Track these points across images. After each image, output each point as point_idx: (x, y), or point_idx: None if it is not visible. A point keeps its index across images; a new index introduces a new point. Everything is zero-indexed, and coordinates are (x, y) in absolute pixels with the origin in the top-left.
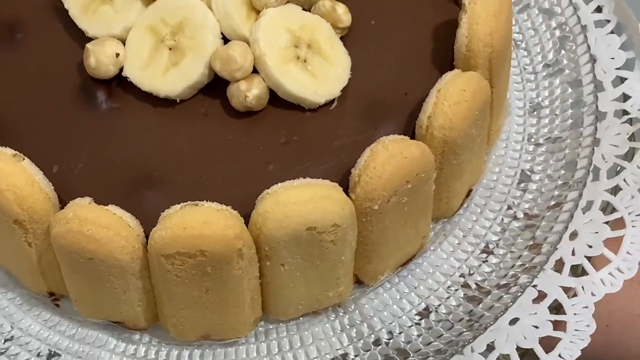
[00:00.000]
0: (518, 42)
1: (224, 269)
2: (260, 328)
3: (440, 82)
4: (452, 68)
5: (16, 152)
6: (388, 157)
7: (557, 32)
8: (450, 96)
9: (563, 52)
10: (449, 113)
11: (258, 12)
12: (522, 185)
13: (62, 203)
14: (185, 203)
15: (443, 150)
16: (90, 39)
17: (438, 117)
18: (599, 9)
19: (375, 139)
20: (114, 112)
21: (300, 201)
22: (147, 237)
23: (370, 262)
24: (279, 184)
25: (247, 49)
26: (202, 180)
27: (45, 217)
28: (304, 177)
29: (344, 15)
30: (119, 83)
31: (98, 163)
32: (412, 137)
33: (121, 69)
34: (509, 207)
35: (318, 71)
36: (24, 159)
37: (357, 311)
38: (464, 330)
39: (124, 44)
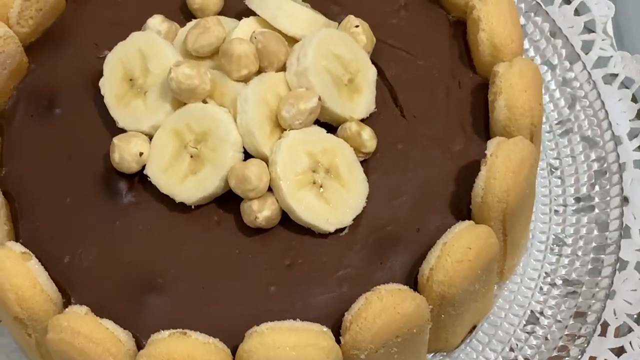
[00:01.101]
0: (554, 169)
1: None
2: None
3: (448, 234)
4: (469, 211)
5: (26, 250)
6: (380, 310)
7: (595, 165)
8: (455, 253)
9: (597, 188)
10: (450, 270)
11: (282, 129)
12: (529, 327)
13: (66, 295)
14: (174, 330)
15: (441, 303)
16: (119, 129)
17: (439, 272)
18: None
19: (378, 276)
20: (131, 207)
21: (284, 346)
22: (138, 345)
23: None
24: (268, 323)
25: (264, 169)
26: (203, 293)
27: (44, 317)
28: (303, 303)
29: (368, 141)
30: (141, 178)
31: (107, 260)
32: (415, 280)
33: (144, 166)
34: (511, 349)
35: (333, 198)
36: (31, 259)
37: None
38: None
39: (150, 140)
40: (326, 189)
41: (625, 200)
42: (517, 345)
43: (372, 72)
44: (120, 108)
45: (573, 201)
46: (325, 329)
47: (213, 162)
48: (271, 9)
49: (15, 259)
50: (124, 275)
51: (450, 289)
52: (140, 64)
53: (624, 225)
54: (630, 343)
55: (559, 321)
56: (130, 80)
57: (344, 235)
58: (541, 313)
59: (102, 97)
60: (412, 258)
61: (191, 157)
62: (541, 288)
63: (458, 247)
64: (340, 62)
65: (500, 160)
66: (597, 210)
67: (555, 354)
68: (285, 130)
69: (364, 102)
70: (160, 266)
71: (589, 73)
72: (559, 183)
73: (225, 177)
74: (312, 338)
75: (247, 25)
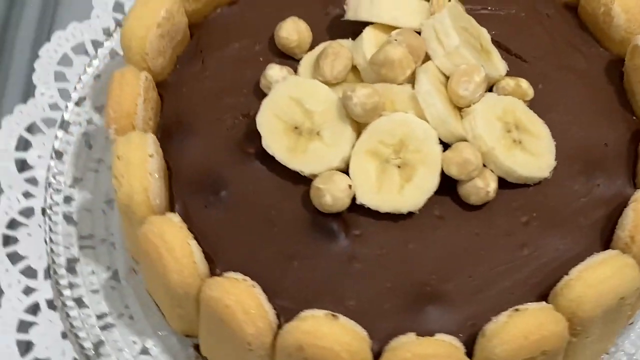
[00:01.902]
0: None
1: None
2: None
3: None
4: (632, 112)
5: (329, 311)
6: None
7: None
8: None
9: None
10: None
11: (459, 108)
12: None
13: None
14: (507, 311)
15: None
16: (303, 177)
17: None
18: None
19: (603, 193)
20: (358, 240)
21: (607, 278)
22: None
23: (633, 307)
24: (576, 268)
25: (474, 148)
26: (474, 282)
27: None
28: (559, 252)
29: (528, 88)
30: (349, 210)
31: (369, 295)
32: (634, 184)
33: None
34: None
35: (534, 148)
36: (337, 317)
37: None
38: None
39: (346, 173)
40: (524, 143)
41: None
42: None
43: (485, 32)
44: (298, 158)
45: None
46: (618, 251)
47: (424, 162)
48: (387, 12)
49: (327, 322)
50: (394, 298)
51: None
52: (298, 109)
53: None
54: None
55: None
56: (296, 128)
57: (551, 177)
58: None
59: (260, 161)
60: (617, 170)
61: (398, 167)
62: None
63: None
64: (468, 32)
65: None
66: None
67: None
68: (463, 107)
69: (498, 60)
70: (420, 277)
71: None
72: None
73: (439, 172)
74: (620, 260)
75: (370, 36)
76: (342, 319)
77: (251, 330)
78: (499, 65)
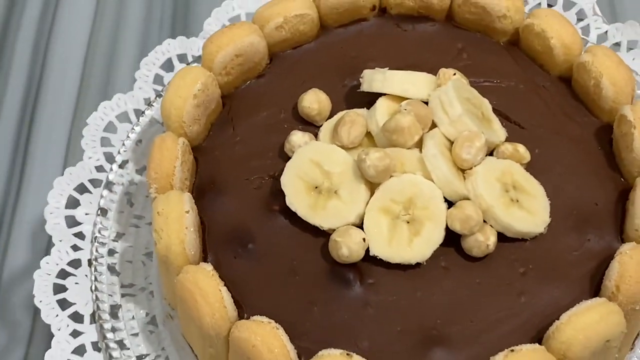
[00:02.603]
0: None
1: None
2: None
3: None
4: (620, 174)
5: (345, 351)
6: (637, 264)
7: None
8: None
9: None
10: None
11: (462, 171)
12: None
13: None
14: (502, 352)
15: None
16: (322, 232)
17: None
18: None
19: (594, 248)
20: (371, 288)
21: (594, 322)
22: None
23: (620, 351)
24: (567, 313)
25: (475, 206)
26: (475, 326)
27: None
28: (553, 299)
29: (525, 152)
30: (363, 261)
31: (380, 338)
32: (621, 239)
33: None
34: None
35: (530, 206)
36: (351, 356)
37: None
38: None
39: (360, 228)
40: (521, 201)
41: None
42: None
43: (487, 102)
44: (319, 214)
45: None
46: (604, 299)
47: (430, 218)
48: (398, 85)
49: (269, 329)
50: (403, 342)
51: None
52: (318, 170)
53: None
54: None
55: None
56: (316, 187)
57: (546, 232)
58: None
59: (283, 217)
60: (606, 226)
61: (407, 223)
62: None
63: None
64: (471, 102)
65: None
66: None
67: None
68: (465, 170)
69: (498, 127)
70: (427, 321)
71: None
72: None
73: (444, 227)
74: (606, 307)
75: (384, 105)
76: (356, 357)
77: None
78: (499, 132)
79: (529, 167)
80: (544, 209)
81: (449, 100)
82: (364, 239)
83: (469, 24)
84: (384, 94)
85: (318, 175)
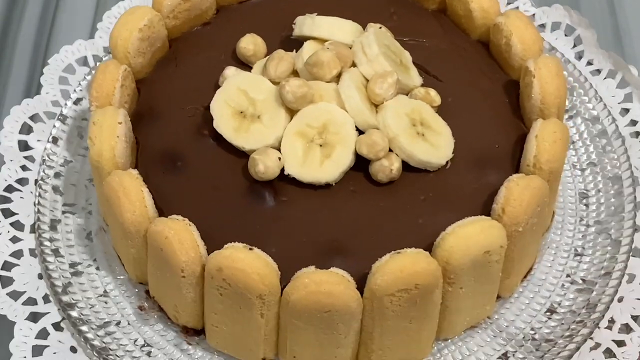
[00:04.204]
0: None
1: (427, 298)
2: (434, 348)
3: (534, 130)
4: (522, 120)
5: (246, 244)
6: (522, 189)
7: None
8: (548, 137)
9: (604, 153)
10: (550, 150)
11: (376, 105)
12: (577, 258)
13: None
14: (390, 253)
15: (548, 179)
16: (243, 154)
17: (543, 154)
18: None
19: (491, 182)
20: (284, 204)
21: (475, 233)
22: None
23: (509, 277)
24: (452, 225)
25: (383, 134)
26: (374, 240)
27: (277, 289)
28: (448, 222)
29: (435, 96)
30: (279, 180)
31: (287, 245)
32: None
33: (281, 169)
34: (568, 275)
35: (434, 141)
36: (252, 249)
37: (499, 320)
38: None
39: (279, 150)
40: (426, 135)
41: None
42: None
43: (408, 54)
44: (241, 136)
45: (586, 165)
46: (489, 218)
47: (341, 142)
48: (325, 28)
49: (244, 251)
50: (307, 249)
51: (555, 164)
52: (244, 97)
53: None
54: (631, 339)
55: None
56: (241, 112)
57: (449, 167)
58: (582, 247)
59: (211, 140)
60: (505, 165)
61: (320, 146)
62: (579, 229)
63: (548, 134)
64: (390, 49)
65: (545, 70)
66: (609, 168)
67: (602, 272)
68: (378, 104)
69: (415, 75)
70: (331, 234)
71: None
72: (574, 153)
73: (354, 151)
74: (487, 222)
75: (310, 46)
76: (257, 250)
77: (184, 258)
78: (415, 78)
79: (440, 111)
80: (447, 145)
81: (369, 43)
82: (279, 158)
83: None
84: (313, 39)
85: (244, 101)
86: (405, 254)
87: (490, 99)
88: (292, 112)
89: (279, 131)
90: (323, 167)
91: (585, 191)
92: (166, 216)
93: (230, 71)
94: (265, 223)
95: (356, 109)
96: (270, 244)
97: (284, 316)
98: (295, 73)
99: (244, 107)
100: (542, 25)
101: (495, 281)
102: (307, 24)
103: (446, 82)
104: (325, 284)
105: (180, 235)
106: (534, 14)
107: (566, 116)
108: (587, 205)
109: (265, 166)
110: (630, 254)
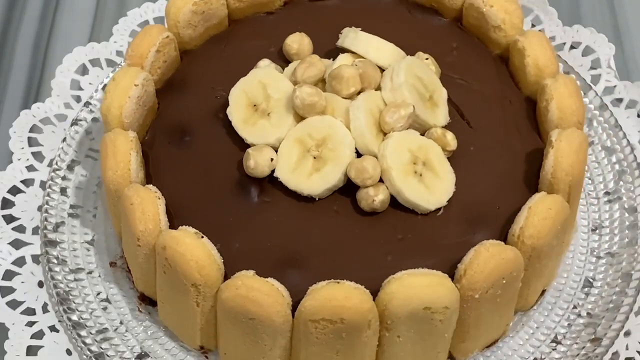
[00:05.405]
0: None
1: (354, 335)
2: None
3: (531, 200)
4: (536, 190)
5: (197, 230)
6: (489, 257)
7: (617, 167)
8: (540, 212)
9: (621, 183)
10: (537, 226)
11: (385, 133)
12: (586, 289)
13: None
14: (329, 280)
15: (530, 255)
16: (248, 145)
17: (529, 228)
18: None
19: (474, 242)
20: (265, 205)
21: (420, 285)
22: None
23: (464, 341)
24: (403, 271)
25: (376, 162)
26: (335, 263)
27: (215, 283)
28: (415, 267)
29: (451, 140)
30: (269, 181)
31: (251, 245)
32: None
33: (273, 171)
34: (575, 307)
35: (430, 184)
36: (202, 237)
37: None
38: None
39: (276, 151)
40: (424, 177)
41: None
42: (578, 303)
43: (444, 92)
44: (247, 128)
45: (603, 194)
46: (446, 275)
47: (334, 160)
48: (362, 45)
49: (192, 237)
50: (267, 255)
51: (539, 241)
52: (262, 92)
53: None
54: None
55: (609, 283)
56: (254, 105)
57: (440, 214)
58: (593, 278)
59: (224, 125)
60: (497, 229)
61: (314, 158)
62: (590, 260)
63: (542, 208)
64: (421, 82)
65: (564, 143)
66: (624, 199)
67: (611, 305)
68: (387, 133)
69: (442, 114)
70: (296, 246)
71: (601, 99)
72: (590, 182)
73: (345, 171)
74: (440, 279)
75: (343, 59)
76: (205, 240)
77: (141, 228)
78: (440, 118)
79: (455, 157)
80: (444, 191)
81: (398, 70)
82: (272, 159)
83: (471, 28)
84: (352, 52)
85: (260, 95)
86: (343, 286)
87: (513, 160)
88: (300, 118)
89: (282, 133)
90: (310, 179)
91: (599, 221)
92: (152, 182)
93: (263, 63)
94: (239, 217)
95: (359, 130)
96: (235, 239)
97: (218, 312)
98: (323, 81)
99: (259, 101)
100: (619, 100)
101: (442, 341)
102: (350, 36)
103: (476, 130)
104: (255, 291)
105: (145, 205)
106: (615, 86)
107: None
108: (600, 235)
109: (255, 162)
110: None
